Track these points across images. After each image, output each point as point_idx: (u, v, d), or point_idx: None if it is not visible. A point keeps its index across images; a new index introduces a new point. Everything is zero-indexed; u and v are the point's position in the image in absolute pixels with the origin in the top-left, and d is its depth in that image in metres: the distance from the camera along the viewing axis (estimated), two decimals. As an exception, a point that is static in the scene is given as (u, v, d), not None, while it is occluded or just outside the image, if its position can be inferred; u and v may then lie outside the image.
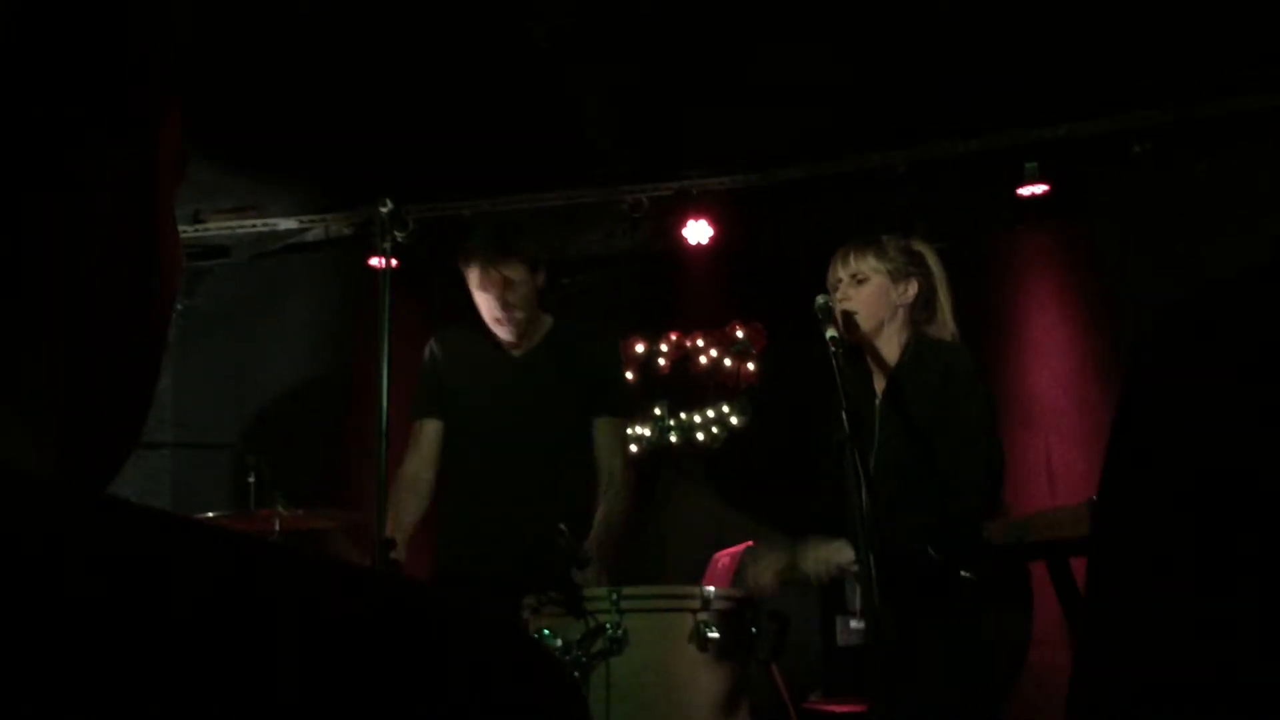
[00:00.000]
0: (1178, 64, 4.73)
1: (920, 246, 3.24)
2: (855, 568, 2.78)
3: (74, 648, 0.43)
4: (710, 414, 5.73)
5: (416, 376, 3.57)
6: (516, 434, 3.41)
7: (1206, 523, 0.56)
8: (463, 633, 0.50)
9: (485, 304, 3.40)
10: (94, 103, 0.54)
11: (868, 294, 3.13)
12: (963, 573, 2.81)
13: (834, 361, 2.84)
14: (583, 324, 3.65)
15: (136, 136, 0.56)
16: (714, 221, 5.56)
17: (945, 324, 3.20)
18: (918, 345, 3.13)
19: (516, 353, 3.51)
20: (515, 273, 3.35)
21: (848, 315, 3.10)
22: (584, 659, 2.64)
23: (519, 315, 3.39)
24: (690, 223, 5.56)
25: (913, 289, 3.15)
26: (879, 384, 3.17)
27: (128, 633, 0.44)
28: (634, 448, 5.74)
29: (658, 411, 5.76)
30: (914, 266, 3.18)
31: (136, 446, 0.59)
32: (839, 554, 2.88)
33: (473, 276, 3.39)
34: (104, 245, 0.55)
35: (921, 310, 3.19)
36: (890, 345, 3.16)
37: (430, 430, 3.52)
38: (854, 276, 3.14)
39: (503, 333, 3.44)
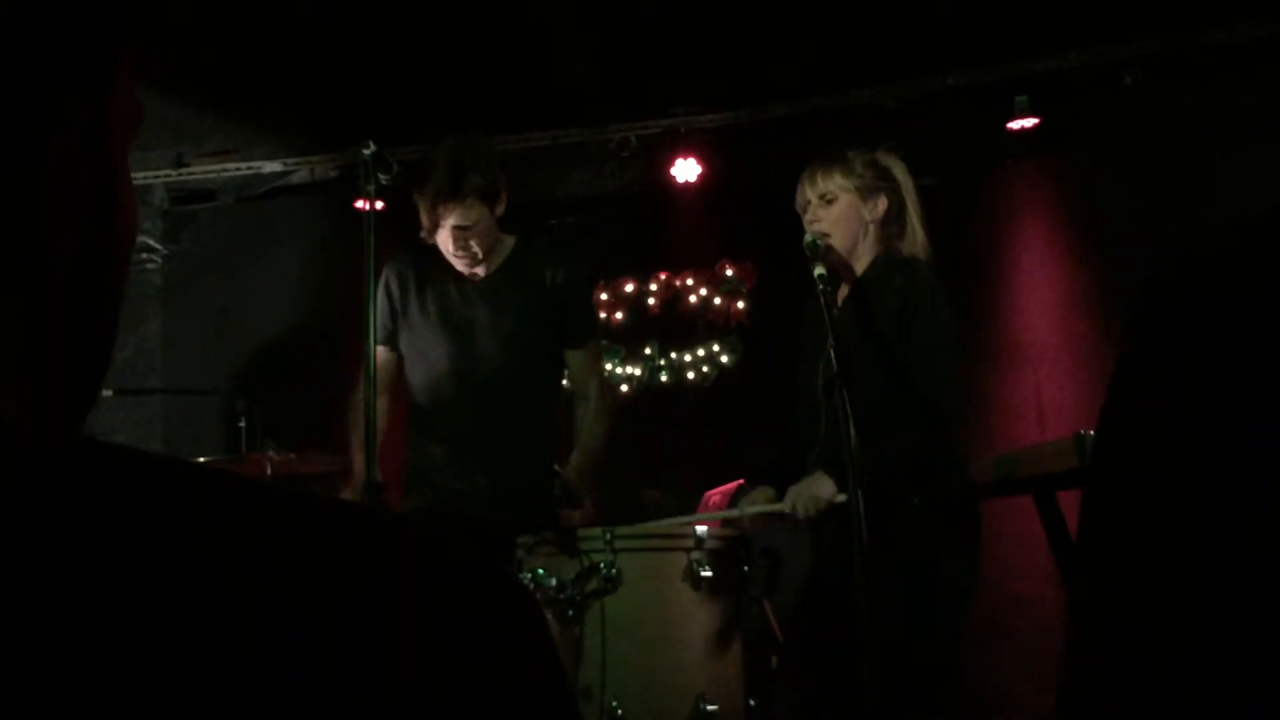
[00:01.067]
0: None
1: (886, 160, 3.15)
2: (840, 499, 2.78)
3: (47, 591, 0.44)
4: (701, 353, 5.74)
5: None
6: (480, 360, 3.33)
7: (1205, 491, 0.55)
8: (428, 564, 0.52)
9: (441, 238, 3.28)
10: (48, 47, 0.53)
11: (838, 213, 3.08)
12: (915, 500, 2.82)
13: (822, 299, 2.83)
14: (546, 246, 3.52)
15: (91, 84, 0.56)
16: (702, 159, 5.53)
17: (915, 237, 3.13)
18: (884, 264, 3.10)
19: (475, 279, 3.40)
20: (469, 215, 3.22)
21: (821, 236, 3.04)
22: (578, 598, 2.66)
23: (476, 250, 3.28)
24: (678, 161, 5.53)
25: (882, 204, 3.11)
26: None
27: (103, 573, 0.45)
28: (624, 387, 5.75)
29: (648, 351, 5.76)
30: (882, 181, 3.12)
31: (97, 395, 0.58)
32: (822, 489, 2.86)
33: (427, 219, 3.27)
34: (60, 191, 0.55)
35: (892, 224, 3.14)
36: (863, 264, 3.13)
37: (382, 356, 3.36)
38: (822, 197, 3.09)
39: (460, 266, 3.34)
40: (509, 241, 3.42)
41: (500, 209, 3.33)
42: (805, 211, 3.12)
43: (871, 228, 3.10)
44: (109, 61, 0.56)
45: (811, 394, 3.06)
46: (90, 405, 0.58)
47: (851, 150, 3.16)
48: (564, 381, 3.58)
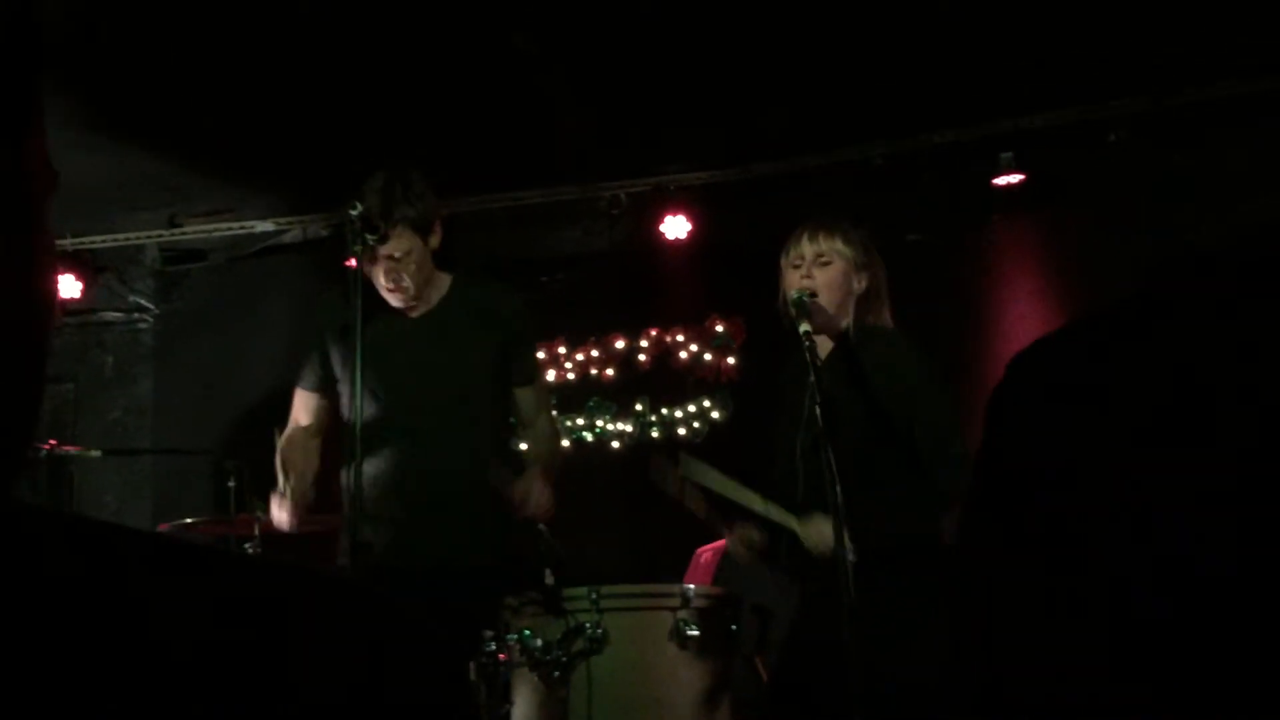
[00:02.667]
0: (1152, 53, 4.75)
1: (871, 245, 3.22)
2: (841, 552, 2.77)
3: None
4: (691, 408, 5.73)
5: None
6: (415, 401, 3.17)
7: (1055, 562, 0.60)
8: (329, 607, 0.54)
9: (374, 276, 3.15)
10: None
11: (831, 276, 3.09)
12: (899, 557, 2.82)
13: (808, 355, 2.84)
14: (486, 282, 3.43)
15: (6, 143, 0.57)
16: (692, 217, 5.56)
17: (885, 321, 3.20)
18: (871, 330, 3.13)
19: (413, 314, 3.26)
20: (400, 245, 3.11)
21: (809, 295, 3.05)
22: (565, 659, 2.64)
23: (408, 285, 3.15)
24: (668, 218, 5.56)
25: (865, 281, 3.15)
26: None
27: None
28: (616, 444, 5.74)
29: (639, 407, 5.76)
30: (870, 259, 3.17)
31: (25, 453, 0.58)
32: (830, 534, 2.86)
33: (360, 239, 3.09)
34: None
35: (867, 303, 3.17)
36: (829, 332, 3.15)
37: (308, 401, 3.31)
38: (819, 257, 3.11)
39: (395, 301, 3.20)
40: (445, 279, 3.30)
41: (434, 241, 3.21)
42: (796, 267, 3.13)
43: (852, 300, 3.12)
44: (24, 123, 0.57)
45: (790, 455, 3.06)
46: (19, 465, 0.58)
47: (842, 220, 3.21)
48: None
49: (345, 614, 0.54)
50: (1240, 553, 0.55)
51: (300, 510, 3.15)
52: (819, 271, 3.10)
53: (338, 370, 3.24)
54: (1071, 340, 0.67)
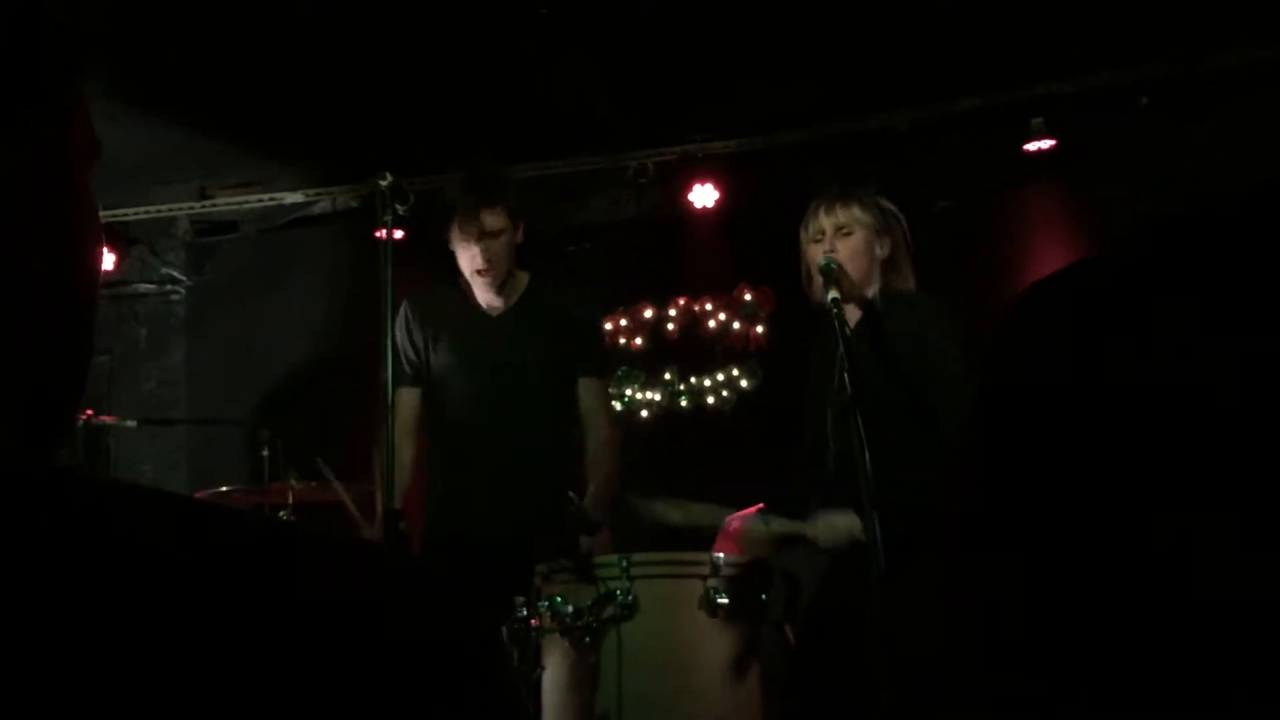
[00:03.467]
0: (1183, 16, 4.69)
1: (889, 205, 3.21)
2: (860, 538, 2.79)
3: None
4: (720, 378, 5.74)
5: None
6: (498, 395, 3.39)
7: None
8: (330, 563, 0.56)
9: (466, 257, 3.37)
10: (15, 70, 0.56)
11: (854, 245, 3.10)
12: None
13: (836, 322, 2.85)
14: (561, 282, 3.64)
15: (51, 111, 0.59)
16: (719, 185, 5.55)
17: (909, 283, 3.20)
18: (896, 295, 3.13)
19: (494, 313, 3.47)
20: (496, 221, 3.33)
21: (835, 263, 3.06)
22: (595, 625, 2.66)
23: (500, 266, 3.36)
24: (696, 187, 5.55)
25: (888, 245, 3.15)
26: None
27: (59, 596, 0.48)
28: (644, 412, 5.76)
29: (667, 376, 5.77)
30: (888, 223, 3.17)
31: (76, 415, 0.60)
32: (848, 524, 2.88)
33: (454, 230, 3.37)
34: (29, 209, 0.57)
35: (890, 270, 3.17)
36: (869, 296, 3.15)
37: (407, 399, 3.47)
38: (840, 228, 3.11)
39: (482, 285, 3.39)
40: (524, 277, 3.50)
41: (519, 237, 3.41)
42: (817, 241, 3.13)
43: (877, 266, 3.13)
44: (69, 91, 0.59)
45: (820, 424, 3.07)
46: (70, 426, 0.59)
47: (856, 186, 3.19)
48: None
49: (378, 579, 0.55)
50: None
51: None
52: (841, 243, 3.10)
53: (430, 364, 3.46)
54: (1096, 266, 0.69)
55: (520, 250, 3.48)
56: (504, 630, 2.78)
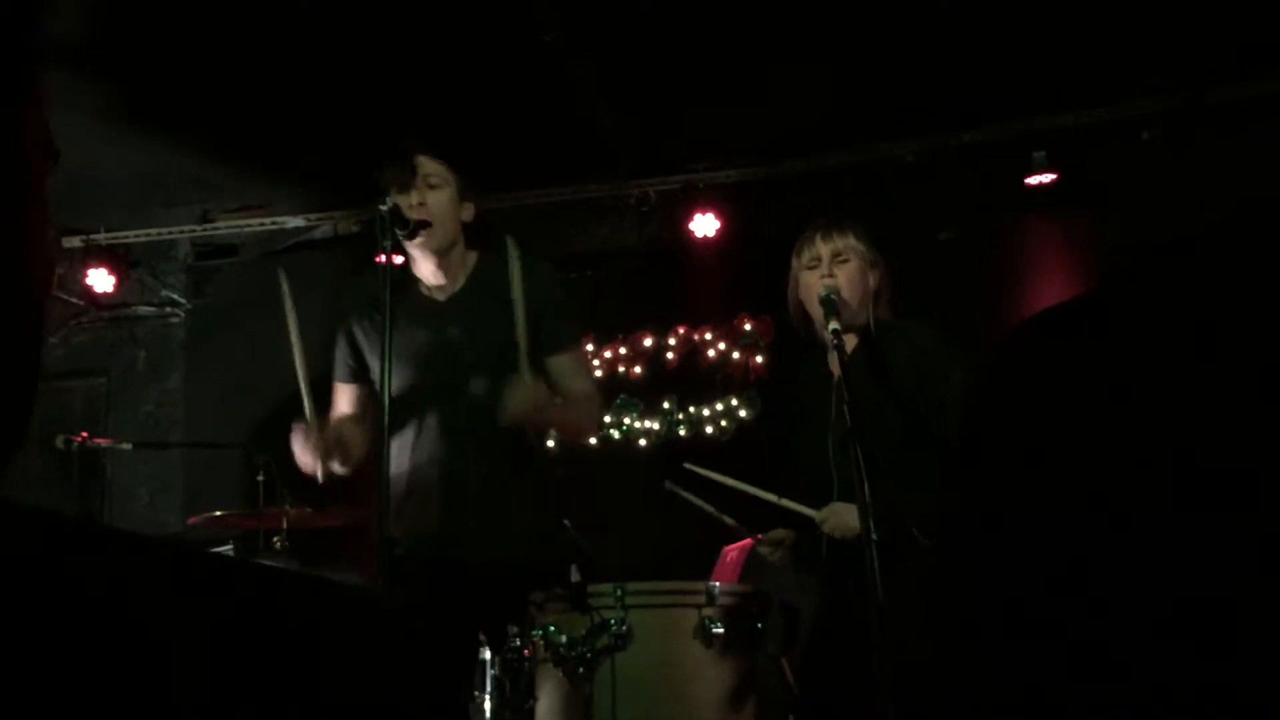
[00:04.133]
0: (1186, 50, 4.70)
1: (872, 238, 3.24)
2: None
3: None
4: (719, 407, 5.72)
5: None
6: (443, 385, 3.07)
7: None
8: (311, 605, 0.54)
9: (401, 204, 3.00)
10: None
11: (851, 272, 3.10)
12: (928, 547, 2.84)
13: (837, 355, 2.84)
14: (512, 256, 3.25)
15: (3, 105, 0.56)
16: (720, 214, 5.55)
17: (888, 316, 3.22)
18: (886, 325, 3.14)
19: (440, 296, 3.17)
20: (436, 169, 3.08)
21: (834, 291, 3.06)
22: (589, 655, 2.63)
23: (443, 224, 3.05)
24: (697, 216, 5.55)
25: (877, 277, 3.15)
26: (834, 366, 3.09)
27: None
28: (643, 441, 5.74)
29: (666, 405, 5.76)
30: (876, 255, 3.18)
31: (21, 441, 0.58)
32: (854, 519, 2.88)
33: (390, 186, 3.06)
34: None
35: (879, 301, 3.18)
36: (860, 325, 3.14)
37: (347, 392, 3.23)
38: (837, 255, 3.11)
39: (422, 254, 3.06)
40: (472, 257, 3.20)
41: (467, 214, 3.17)
42: (812, 268, 3.13)
43: (870, 296, 3.13)
44: (19, 87, 0.57)
45: (822, 456, 3.05)
46: (12, 450, 0.57)
47: (846, 217, 3.21)
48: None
49: (345, 625, 0.54)
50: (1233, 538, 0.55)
51: (332, 447, 3.04)
52: (839, 270, 3.10)
53: (368, 357, 3.18)
54: (1076, 311, 0.68)
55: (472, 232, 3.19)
56: (497, 661, 2.75)
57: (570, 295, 3.24)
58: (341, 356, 3.24)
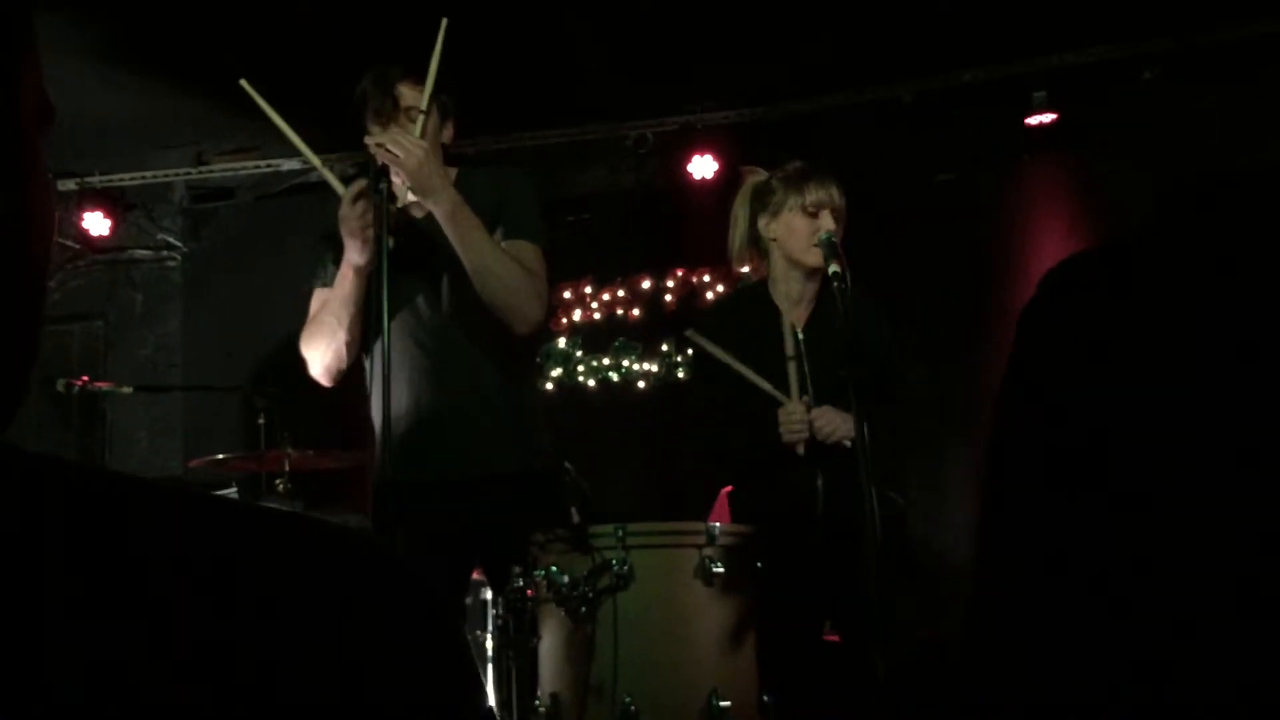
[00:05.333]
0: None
1: None
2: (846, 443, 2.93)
3: None
4: (717, 349, 5.73)
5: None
6: (423, 295, 3.02)
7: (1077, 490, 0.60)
8: (326, 556, 0.55)
9: (380, 138, 2.91)
10: None
11: (841, 225, 3.15)
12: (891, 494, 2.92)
13: (839, 297, 2.85)
14: (489, 168, 3.21)
15: None
16: (719, 156, 5.52)
17: None
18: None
19: (418, 212, 3.09)
20: (413, 96, 3.00)
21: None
22: (591, 595, 2.66)
23: (418, 135, 2.93)
24: (695, 158, 5.52)
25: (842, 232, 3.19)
26: (799, 314, 3.19)
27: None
28: (641, 383, 5.76)
29: (665, 347, 5.77)
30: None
31: (24, 396, 0.58)
32: (848, 426, 2.95)
33: (367, 115, 3.01)
34: None
35: None
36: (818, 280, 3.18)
37: (324, 296, 3.18)
38: (835, 211, 3.16)
39: (391, 155, 2.88)
40: (451, 172, 3.11)
41: (447, 135, 3.12)
42: (822, 208, 3.13)
43: None
44: (14, 51, 0.56)
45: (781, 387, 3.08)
46: (15, 406, 0.57)
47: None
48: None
49: (335, 568, 0.54)
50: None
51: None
52: (835, 219, 3.12)
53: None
54: (1107, 256, 0.66)
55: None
56: (500, 601, 2.78)
57: (532, 190, 3.19)
58: (326, 261, 3.19)
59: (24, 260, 0.56)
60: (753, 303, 3.28)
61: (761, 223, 3.26)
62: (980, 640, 0.63)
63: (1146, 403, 0.58)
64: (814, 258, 3.07)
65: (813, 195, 3.16)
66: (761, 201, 3.25)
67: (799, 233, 3.14)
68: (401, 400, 3.01)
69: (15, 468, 0.51)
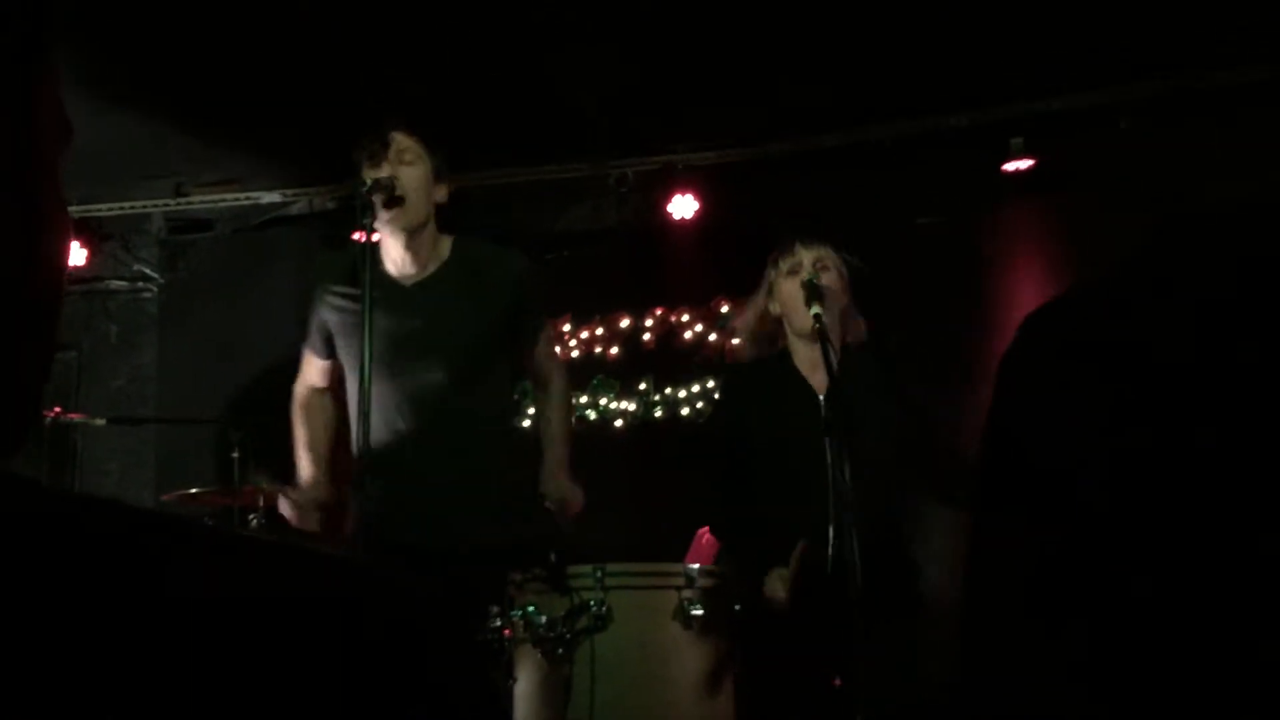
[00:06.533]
0: (1164, 38, 4.72)
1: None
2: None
3: None
4: (695, 389, 5.73)
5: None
6: (414, 371, 3.04)
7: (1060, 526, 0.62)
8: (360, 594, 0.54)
9: (371, 177, 2.95)
10: None
11: (832, 281, 3.12)
12: (912, 550, 2.92)
13: (821, 340, 2.85)
14: (486, 244, 3.26)
15: (9, 102, 0.55)
16: (700, 196, 5.54)
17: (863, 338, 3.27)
18: (864, 347, 3.19)
19: (408, 281, 3.11)
20: (409, 145, 3.03)
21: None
22: (568, 636, 2.64)
23: (415, 202, 2.99)
24: (676, 197, 5.54)
25: (847, 296, 3.17)
26: (817, 381, 3.11)
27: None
28: (619, 422, 5.74)
29: (642, 386, 5.76)
30: (848, 275, 3.20)
31: (37, 419, 0.56)
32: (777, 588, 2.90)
33: (362, 162, 3.02)
34: None
35: (850, 321, 3.21)
36: (837, 334, 3.16)
37: (319, 365, 3.22)
38: (818, 260, 3.13)
39: (392, 233, 3.00)
40: (445, 242, 3.16)
41: (440, 195, 3.12)
42: (794, 274, 3.12)
43: (839, 313, 3.13)
44: (32, 65, 0.55)
45: (810, 453, 3.03)
46: (28, 429, 0.56)
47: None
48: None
49: (347, 596, 0.53)
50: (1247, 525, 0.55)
51: (322, 476, 3.13)
52: (822, 276, 3.10)
53: (335, 335, 3.14)
54: (1084, 300, 0.68)
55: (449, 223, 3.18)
56: (475, 639, 2.75)
57: (540, 285, 3.30)
58: (315, 327, 3.20)
59: (39, 287, 0.55)
60: (778, 371, 3.20)
61: (773, 308, 3.22)
62: (973, 656, 0.65)
63: (1120, 443, 0.59)
64: (807, 321, 3.03)
65: (788, 259, 3.15)
66: (767, 288, 3.24)
67: (788, 298, 3.12)
68: (392, 465, 3.00)
69: None
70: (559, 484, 3.07)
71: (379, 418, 2.97)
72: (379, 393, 2.95)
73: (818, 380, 3.08)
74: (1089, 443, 0.61)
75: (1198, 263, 0.66)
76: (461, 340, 3.06)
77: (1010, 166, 5.21)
